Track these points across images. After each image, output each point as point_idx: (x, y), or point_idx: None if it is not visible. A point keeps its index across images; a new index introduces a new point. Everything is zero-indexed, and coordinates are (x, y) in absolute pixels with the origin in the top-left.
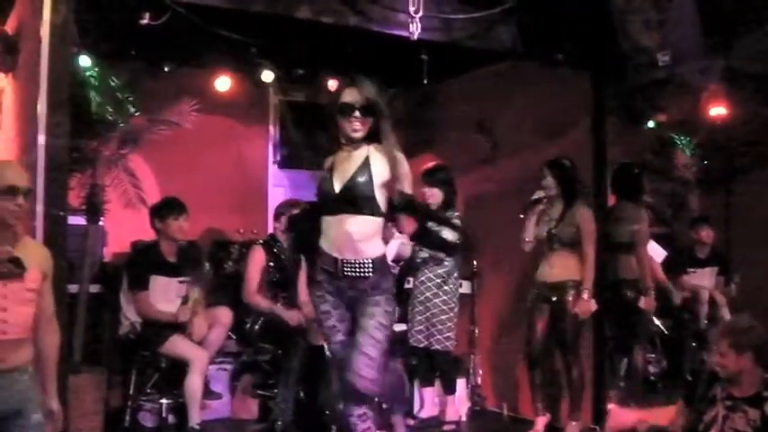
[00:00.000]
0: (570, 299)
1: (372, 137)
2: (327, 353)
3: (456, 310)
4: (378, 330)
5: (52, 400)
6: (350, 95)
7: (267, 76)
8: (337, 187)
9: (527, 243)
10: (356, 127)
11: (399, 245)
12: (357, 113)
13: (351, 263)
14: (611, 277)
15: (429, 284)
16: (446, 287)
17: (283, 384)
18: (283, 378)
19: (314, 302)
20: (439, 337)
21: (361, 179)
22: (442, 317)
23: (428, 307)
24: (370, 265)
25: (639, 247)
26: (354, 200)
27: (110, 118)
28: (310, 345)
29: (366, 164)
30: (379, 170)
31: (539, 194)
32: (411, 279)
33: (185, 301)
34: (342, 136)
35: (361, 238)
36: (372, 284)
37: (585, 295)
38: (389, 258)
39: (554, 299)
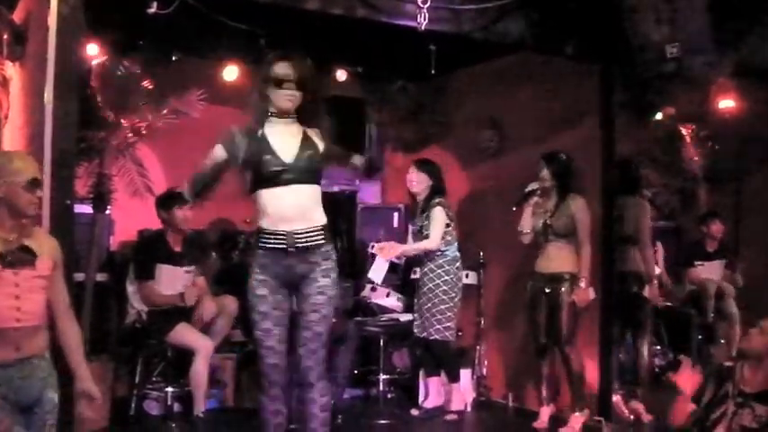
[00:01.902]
0: (565, 290)
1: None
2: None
3: (456, 300)
4: (320, 324)
5: (87, 382)
6: (283, 68)
7: None
8: (288, 159)
9: (524, 235)
10: (289, 98)
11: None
12: (291, 86)
13: (302, 232)
14: (616, 270)
15: (431, 275)
16: (446, 277)
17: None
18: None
19: (252, 286)
20: (438, 327)
21: (310, 151)
22: (441, 306)
23: (429, 297)
24: (322, 232)
25: (642, 240)
26: (306, 170)
27: (117, 107)
28: None
29: (307, 137)
30: (319, 144)
31: (532, 186)
32: (417, 269)
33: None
34: (273, 107)
35: (313, 206)
36: (324, 255)
37: (583, 284)
38: (378, 280)
39: (548, 291)
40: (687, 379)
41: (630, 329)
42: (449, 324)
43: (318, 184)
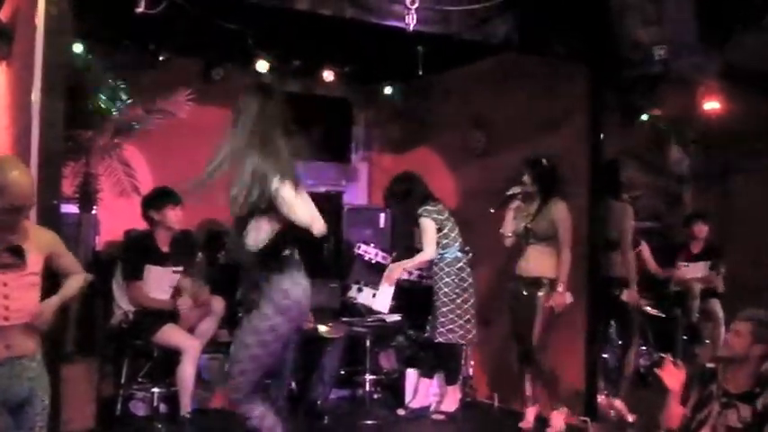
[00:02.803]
0: (542, 295)
1: None
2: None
3: (459, 301)
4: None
5: (47, 307)
6: None
7: (262, 66)
8: None
9: (506, 238)
10: None
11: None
12: None
13: None
14: (601, 275)
15: (434, 278)
16: (447, 279)
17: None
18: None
19: None
20: (441, 329)
21: None
22: (444, 309)
23: (434, 300)
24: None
25: (623, 244)
26: None
27: (104, 107)
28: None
29: None
30: None
31: (513, 190)
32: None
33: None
34: None
35: None
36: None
37: (560, 288)
38: (385, 310)
39: (525, 293)
40: (670, 374)
41: (617, 332)
42: (452, 326)
43: None
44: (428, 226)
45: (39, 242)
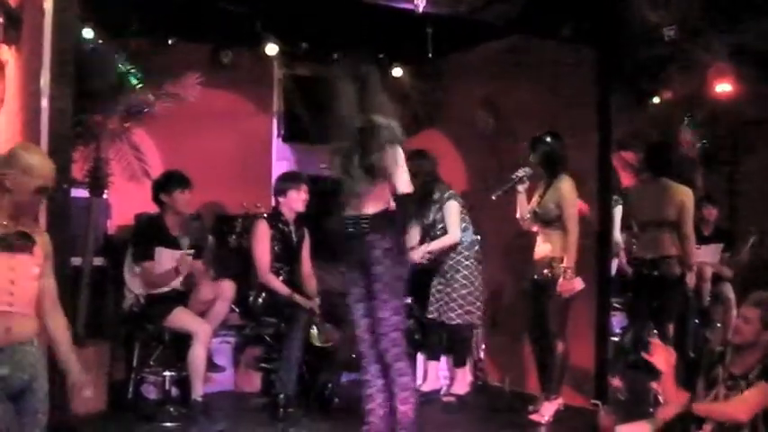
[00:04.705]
0: (552, 278)
1: None
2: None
3: (477, 284)
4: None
5: (78, 374)
6: None
7: (271, 49)
8: None
9: (524, 221)
10: None
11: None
12: None
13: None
14: (654, 253)
15: (451, 263)
16: (466, 262)
17: (285, 358)
18: (285, 352)
19: None
20: (459, 311)
21: None
22: (463, 291)
23: (450, 282)
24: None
25: (684, 224)
26: None
27: (113, 91)
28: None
29: None
30: None
31: (518, 173)
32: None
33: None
34: None
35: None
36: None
37: (568, 274)
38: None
39: (536, 278)
40: (660, 356)
41: (657, 312)
42: (470, 308)
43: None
44: (454, 208)
45: (41, 239)
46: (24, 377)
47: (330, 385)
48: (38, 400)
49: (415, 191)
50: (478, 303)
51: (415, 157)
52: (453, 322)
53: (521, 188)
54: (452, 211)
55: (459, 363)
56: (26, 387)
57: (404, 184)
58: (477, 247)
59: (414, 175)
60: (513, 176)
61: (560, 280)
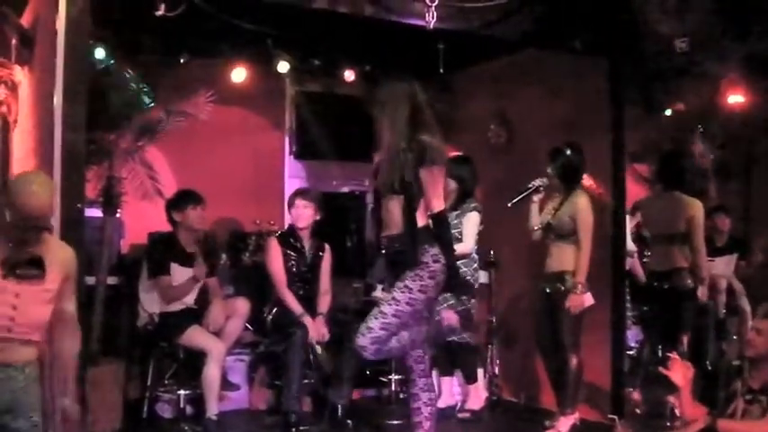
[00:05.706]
0: (565, 291)
1: None
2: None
3: (473, 301)
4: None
5: (65, 398)
6: None
7: (283, 66)
8: None
9: (533, 232)
10: None
11: None
12: None
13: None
14: (665, 266)
15: (467, 275)
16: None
17: (285, 375)
18: (285, 370)
19: None
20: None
21: None
22: (459, 308)
23: (446, 298)
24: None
25: (695, 237)
26: None
27: (126, 110)
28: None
29: None
30: None
31: (535, 183)
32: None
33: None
34: None
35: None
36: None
37: (578, 290)
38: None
39: (549, 291)
40: (678, 371)
41: (670, 325)
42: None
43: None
44: (474, 220)
45: (60, 258)
46: (3, 401)
47: (342, 403)
48: (20, 427)
49: (455, 195)
50: (473, 321)
51: (457, 163)
52: (450, 339)
53: (535, 198)
54: (472, 222)
55: (469, 379)
56: (6, 411)
57: (438, 204)
58: (476, 265)
59: (457, 180)
60: (530, 185)
61: (570, 295)
